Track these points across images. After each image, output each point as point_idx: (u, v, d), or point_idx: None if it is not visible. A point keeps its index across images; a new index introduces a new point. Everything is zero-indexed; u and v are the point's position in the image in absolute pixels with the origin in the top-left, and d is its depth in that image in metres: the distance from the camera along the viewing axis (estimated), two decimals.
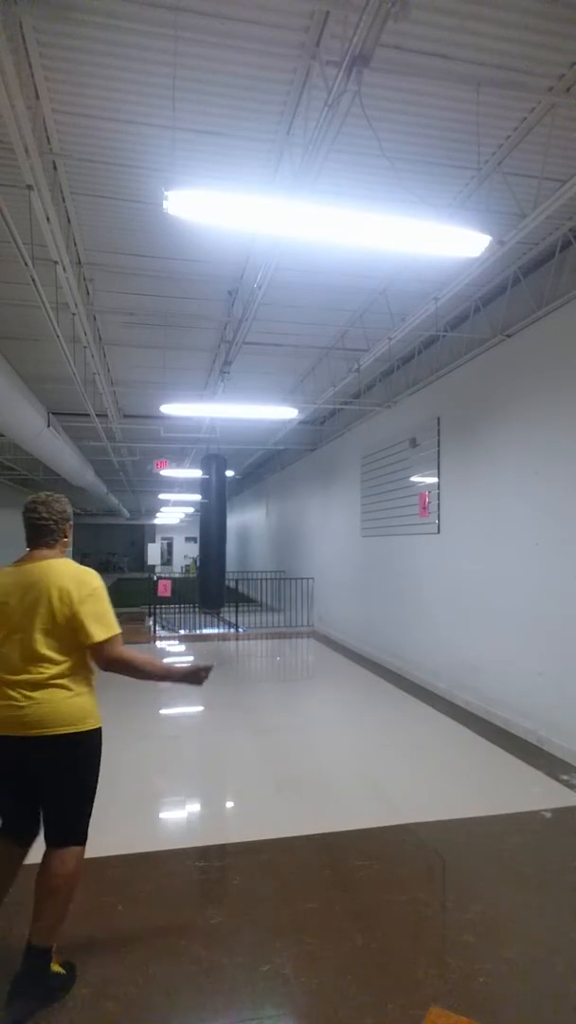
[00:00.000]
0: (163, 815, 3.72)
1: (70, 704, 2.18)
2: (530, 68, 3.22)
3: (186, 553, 36.06)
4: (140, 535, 36.47)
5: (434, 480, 6.91)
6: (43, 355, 7.60)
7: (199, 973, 2.31)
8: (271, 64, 3.19)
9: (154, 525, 34.87)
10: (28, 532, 2.34)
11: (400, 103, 3.45)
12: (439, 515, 6.79)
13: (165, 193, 2.76)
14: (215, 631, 11.44)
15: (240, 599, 13.54)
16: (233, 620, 12.10)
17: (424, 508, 7.14)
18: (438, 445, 6.86)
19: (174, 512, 26.92)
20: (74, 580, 2.23)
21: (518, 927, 2.63)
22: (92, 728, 2.24)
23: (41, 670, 2.17)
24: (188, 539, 36.09)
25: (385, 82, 3.26)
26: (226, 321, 6.63)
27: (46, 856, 2.19)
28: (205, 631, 11.47)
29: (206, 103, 3.47)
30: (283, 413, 8.31)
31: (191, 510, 25.61)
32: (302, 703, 6.68)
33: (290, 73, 3.26)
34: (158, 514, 29.38)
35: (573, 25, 2.96)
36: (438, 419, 6.88)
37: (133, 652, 2.29)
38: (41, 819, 2.27)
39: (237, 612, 12.35)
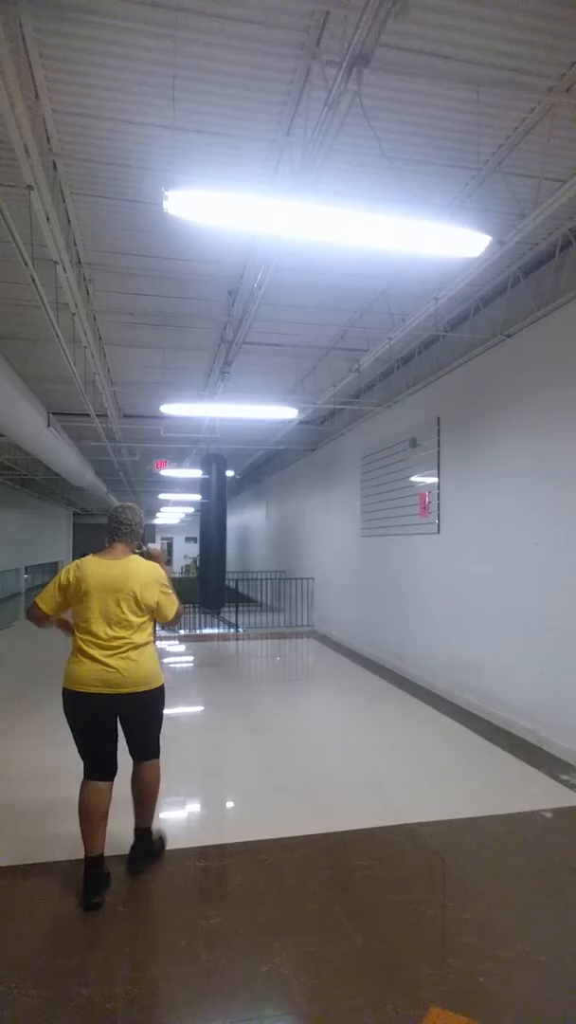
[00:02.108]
0: (163, 815, 3.72)
1: (149, 668, 2.91)
2: (530, 68, 3.22)
3: (186, 553, 36.07)
4: (140, 535, 36.38)
5: (434, 480, 6.91)
6: (43, 355, 7.60)
7: (199, 973, 2.31)
8: (271, 64, 3.19)
9: (154, 525, 34.85)
10: (114, 528, 3.04)
11: (400, 103, 3.45)
12: (439, 515, 6.79)
13: (165, 193, 2.75)
14: (215, 631, 11.44)
15: (240, 599, 13.54)
16: (233, 620, 12.10)
17: (424, 508, 7.14)
18: (438, 445, 6.86)
19: (174, 512, 26.92)
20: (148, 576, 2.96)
21: (518, 927, 2.63)
22: (162, 683, 3.01)
23: (127, 643, 2.86)
24: (188, 539, 36.10)
25: (385, 82, 3.26)
26: (226, 321, 6.63)
27: (138, 769, 2.99)
28: (205, 631, 11.47)
29: (206, 103, 3.46)
30: (283, 413, 8.31)
31: (191, 510, 25.62)
32: (302, 703, 6.68)
33: (290, 73, 3.26)
34: (158, 514, 29.37)
35: (573, 25, 2.96)
36: (438, 419, 6.88)
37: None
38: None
39: (237, 612, 12.35)
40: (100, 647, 2.81)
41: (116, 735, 2.90)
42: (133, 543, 3.07)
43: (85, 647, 2.82)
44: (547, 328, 5.08)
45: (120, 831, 3.08)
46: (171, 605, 3.02)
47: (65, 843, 3.25)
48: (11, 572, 18.88)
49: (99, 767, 2.86)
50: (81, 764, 2.90)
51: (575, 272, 4.85)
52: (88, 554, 3.02)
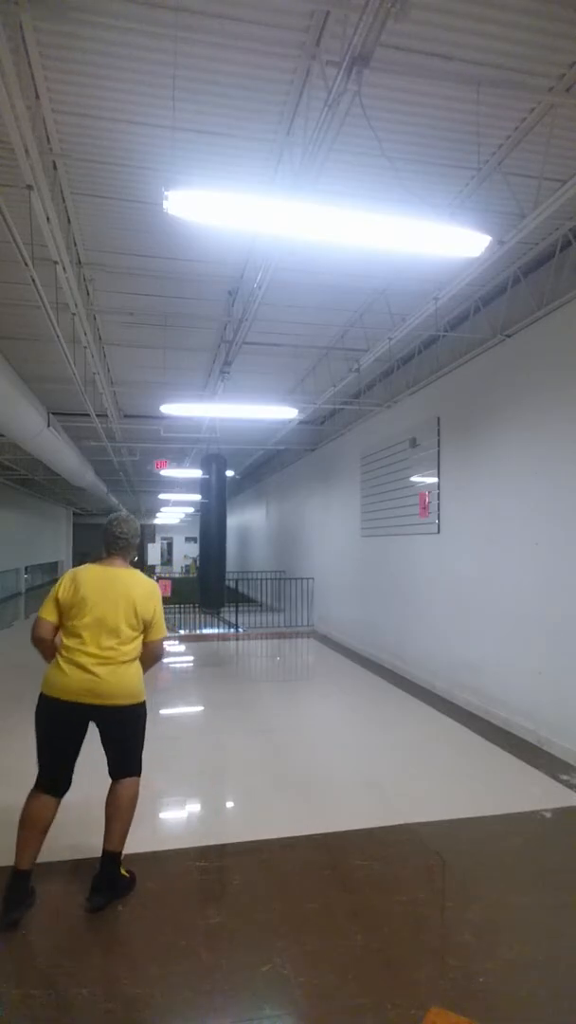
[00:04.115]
0: (163, 815, 3.72)
1: (132, 682, 2.81)
2: (530, 68, 3.22)
3: (186, 553, 36.07)
4: (140, 535, 36.41)
5: (434, 480, 6.90)
6: (43, 355, 7.59)
7: (199, 973, 2.31)
8: (271, 64, 3.19)
9: (154, 525, 34.86)
10: (110, 541, 2.98)
11: (400, 103, 3.45)
12: (439, 515, 6.79)
13: (165, 193, 2.75)
14: (215, 631, 11.44)
15: (240, 599, 13.54)
16: (233, 620, 12.10)
17: (424, 508, 7.14)
18: (438, 445, 6.86)
19: (174, 512, 26.92)
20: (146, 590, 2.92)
21: (518, 927, 2.63)
22: (143, 699, 2.89)
23: (116, 653, 2.77)
24: (188, 539, 36.09)
25: (385, 82, 3.26)
26: (226, 321, 6.63)
27: (115, 786, 2.82)
28: (205, 631, 11.46)
29: (206, 103, 3.46)
30: (283, 413, 8.31)
31: (191, 510, 25.62)
32: (302, 703, 6.68)
33: (290, 73, 3.26)
34: (158, 514, 29.38)
35: (573, 25, 2.96)
36: (438, 419, 6.88)
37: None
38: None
39: (237, 612, 12.35)
40: (88, 655, 2.72)
41: (78, 751, 2.78)
42: (130, 556, 3.04)
43: (72, 655, 2.72)
44: (547, 328, 5.08)
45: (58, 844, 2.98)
46: (163, 622, 2.98)
47: (65, 843, 3.26)
48: (11, 572, 18.88)
49: (52, 780, 2.75)
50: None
51: (575, 272, 4.85)
52: (85, 562, 3.00)
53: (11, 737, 5.08)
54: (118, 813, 2.79)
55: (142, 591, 2.87)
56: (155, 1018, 2.11)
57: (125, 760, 2.86)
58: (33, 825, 2.69)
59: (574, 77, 3.27)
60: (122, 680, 2.76)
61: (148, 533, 35.90)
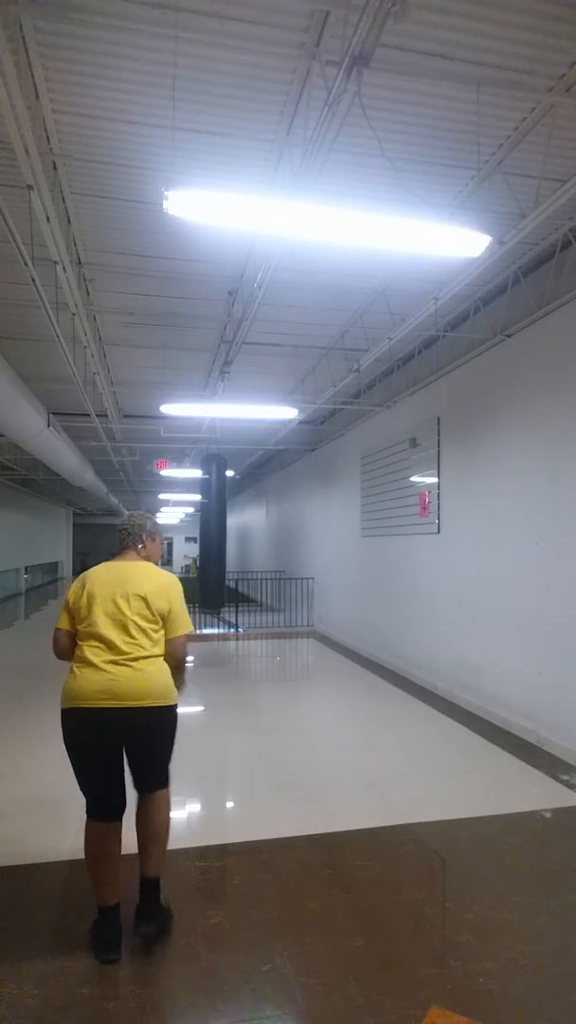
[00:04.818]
0: None
1: (158, 682, 2.57)
2: (530, 68, 3.22)
3: (186, 553, 36.08)
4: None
5: (434, 480, 6.91)
6: (43, 355, 7.60)
7: (199, 973, 2.31)
8: (271, 64, 3.19)
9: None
10: (122, 537, 2.86)
11: (400, 103, 3.45)
12: (439, 515, 6.79)
13: (165, 193, 2.75)
14: (215, 631, 11.44)
15: (240, 599, 13.54)
16: (233, 620, 12.10)
17: (424, 508, 7.14)
18: (438, 445, 6.86)
19: (174, 512, 26.92)
20: (161, 582, 2.70)
21: (518, 927, 2.63)
22: (174, 702, 2.66)
23: (132, 649, 2.54)
24: (188, 539, 36.10)
25: (385, 82, 3.26)
26: (226, 321, 6.63)
27: (146, 803, 2.58)
28: (205, 631, 11.46)
29: (206, 103, 3.46)
30: (283, 413, 8.30)
31: (191, 510, 25.62)
32: (302, 703, 6.68)
33: (290, 73, 3.26)
34: (158, 514, 29.37)
35: (573, 25, 2.96)
36: (438, 419, 6.88)
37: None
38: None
39: (237, 612, 12.35)
40: (101, 651, 2.49)
41: (120, 765, 2.52)
42: (139, 548, 2.85)
43: (85, 654, 2.50)
44: (547, 328, 5.08)
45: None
46: (186, 618, 2.70)
47: (65, 843, 3.26)
48: (11, 572, 18.88)
49: (104, 803, 2.49)
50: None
51: (575, 272, 4.85)
52: (87, 562, 2.92)
53: (11, 737, 5.08)
54: (156, 837, 2.55)
55: (155, 584, 2.64)
56: (155, 1018, 2.11)
57: (153, 771, 2.60)
58: (99, 858, 2.47)
59: (574, 77, 3.27)
60: (143, 678, 2.50)
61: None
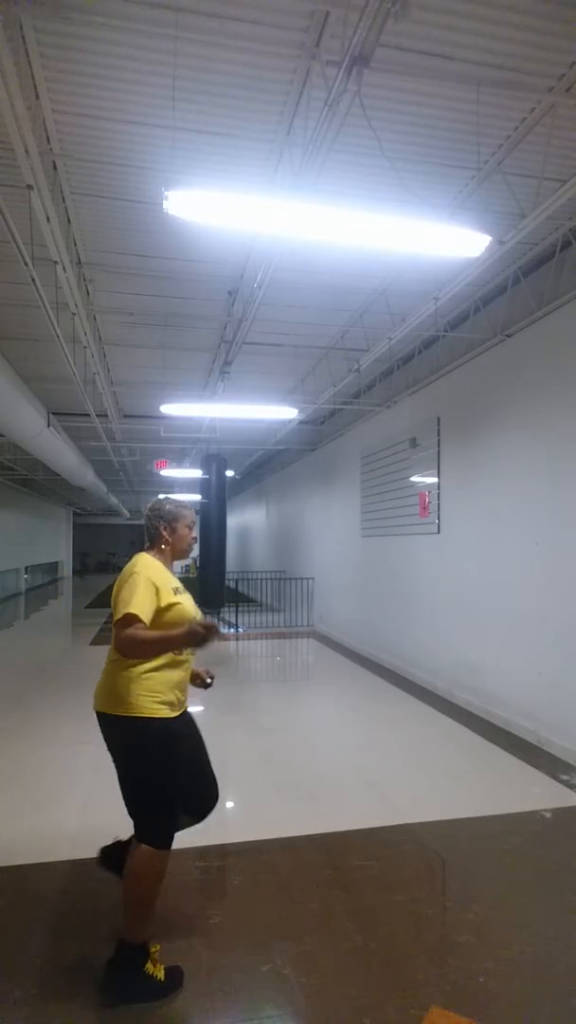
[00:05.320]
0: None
1: (106, 685, 2.27)
2: (530, 68, 3.22)
3: None
4: (140, 535, 36.22)
5: (434, 480, 6.90)
6: (43, 355, 7.59)
7: (199, 973, 2.31)
8: (271, 64, 3.19)
9: None
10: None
11: (400, 103, 3.45)
12: (439, 515, 6.79)
13: (165, 193, 2.75)
14: None
15: (240, 599, 13.54)
16: (233, 620, 12.10)
17: (424, 508, 7.14)
18: (438, 445, 6.86)
19: None
20: (127, 570, 2.32)
21: (518, 927, 2.63)
22: (123, 715, 2.18)
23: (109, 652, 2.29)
24: None
25: (385, 82, 3.26)
26: (226, 321, 6.63)
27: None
28: None
29: (206, 103, 3.47)
30: (283, 413, 8.31)
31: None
32: (302, 703, 6.68)
33: (290, 73, 3.26)
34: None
35: (573, 25, 2.96)
36: (438, 419, 6.88)
37: (136, 630, 2.12)
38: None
39: (237, 612, 12.35)
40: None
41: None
42: (156, 540, 2.49)
43: None
44: (547, 328, 5.08)
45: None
46: (126, 602, 2.14)
47: (65, 843, 3.26)
48: (11, 572, 18.88)
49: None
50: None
51: (575, 272, 4.85)
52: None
53: (11, 737, 5.08)
54: (125, 886, 2.20)
55: (125, 572, 2.31)
56: (155, 1018, 2.11)
57: (129, 806, 2.24)
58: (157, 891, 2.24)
59: (574, 77, 3.27)
60: (105, 680, 2.26)
61: None
